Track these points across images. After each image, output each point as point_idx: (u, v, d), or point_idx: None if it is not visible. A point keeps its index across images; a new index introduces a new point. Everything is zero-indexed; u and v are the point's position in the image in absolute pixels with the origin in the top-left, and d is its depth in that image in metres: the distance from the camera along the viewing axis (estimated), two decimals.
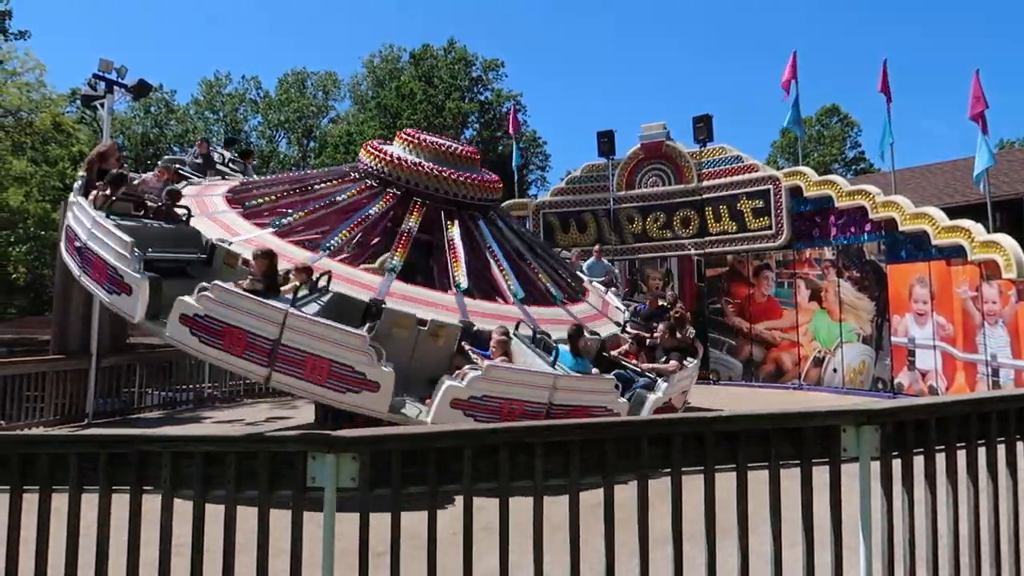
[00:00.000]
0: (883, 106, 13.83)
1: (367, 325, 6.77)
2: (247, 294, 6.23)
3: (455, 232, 9.20)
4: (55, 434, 3.37)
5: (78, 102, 21.81)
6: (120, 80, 12.08)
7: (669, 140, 15.65)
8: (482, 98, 41.29)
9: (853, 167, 39.75)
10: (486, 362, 6.67)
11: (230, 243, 7.98)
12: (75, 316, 11.13)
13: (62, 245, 8.73)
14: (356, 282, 7.94)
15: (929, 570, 2.72)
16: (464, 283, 8.53)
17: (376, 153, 9.84)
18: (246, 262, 7.11)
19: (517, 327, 7.96)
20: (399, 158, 9.67)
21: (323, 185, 10.46)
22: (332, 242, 8.62)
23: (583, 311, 9.73)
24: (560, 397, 6.41)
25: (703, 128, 15.20)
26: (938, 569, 2.73)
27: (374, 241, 9.68)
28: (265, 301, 6.20)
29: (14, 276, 22.93)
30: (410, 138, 10.10)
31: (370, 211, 9.25)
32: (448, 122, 37.22)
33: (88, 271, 7.49)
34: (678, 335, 9.01)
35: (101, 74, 11.98)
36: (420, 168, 9.56)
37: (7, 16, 24.10)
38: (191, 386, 12.75)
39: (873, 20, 71.64)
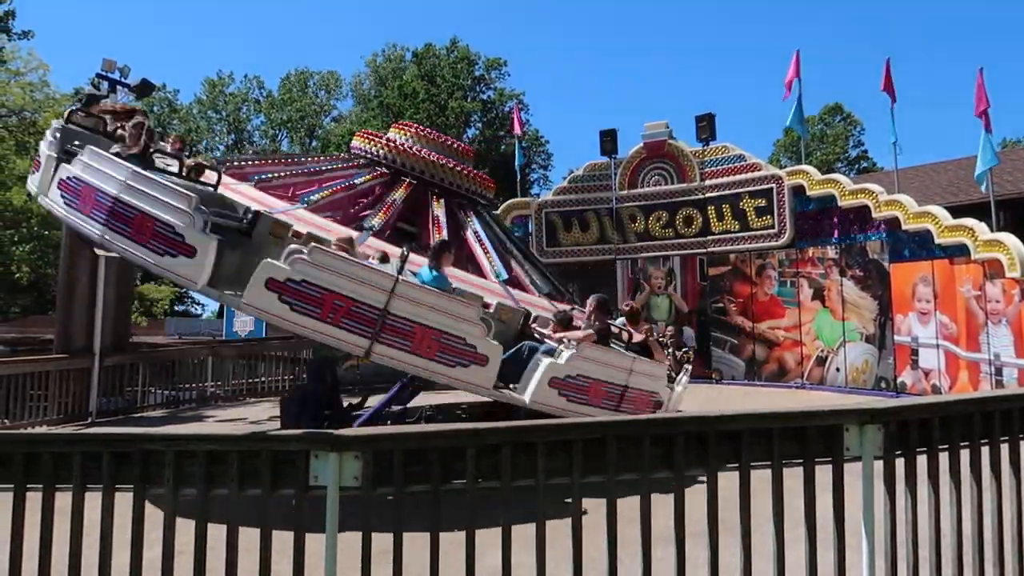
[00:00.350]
0: (886, 105, 13.83)
1: (238, 221, 6.79)
2: (107, 154, 6.33)
3: (398, 195, 9.77)
4: (59, 433, 3.38)
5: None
6: (123, 79, 12.09)
7: (672, 139, 15.63)
8: (484, 97, 41.26)
9: (856, 166, 39.74)
10: (312, 244, 6.09)
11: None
12: (78, 315, 11.15)
13: None
14: (259, 201, 8.18)
15: (932, 569, 2.71)
16: (376, 224, 8.76)
17: (361, 135, 11.05)
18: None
19: (401, 254, 7.77)
20: (373, 132, 10.85)
21: (298, 157, 11.57)
22: (265, 175, 9.67)
23: (528, 299, 9.42)
24: (399, 307, 5.85)
25: (706, 127, 15.18)
26: (941, 568, 2.72)
27: (307, 184, 10.32)
28: (117, 160, 6.22)
29: (17, 276, 22.91)
30: (402, 127, 11.26)
31: (321, 168, 10.51)
32: (451, 121, 37.20)
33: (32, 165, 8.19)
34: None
35: (104, 73, 11.99)
36: (391, 143, 10.39)
37: (11, 16, 24.13)
38: (194, 385, 12.79)
39: (875, 20, 71.53)
